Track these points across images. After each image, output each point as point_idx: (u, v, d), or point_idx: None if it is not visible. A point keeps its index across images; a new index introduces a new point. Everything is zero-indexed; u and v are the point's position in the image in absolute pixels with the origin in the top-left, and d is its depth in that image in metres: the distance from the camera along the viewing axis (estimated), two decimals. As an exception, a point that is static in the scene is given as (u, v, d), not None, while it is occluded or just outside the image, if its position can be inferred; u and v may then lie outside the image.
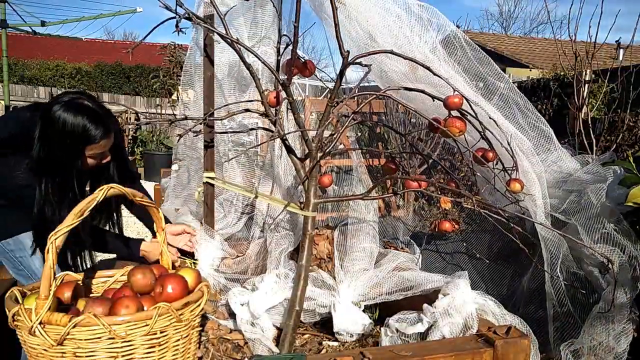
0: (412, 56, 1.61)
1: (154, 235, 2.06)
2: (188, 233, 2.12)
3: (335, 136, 1.67)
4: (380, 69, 1.96)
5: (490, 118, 1.81)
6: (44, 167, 1.84)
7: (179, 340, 1.31)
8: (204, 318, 1.86)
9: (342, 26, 1.50)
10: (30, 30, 10.63)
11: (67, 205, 1.85)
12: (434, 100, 1.57)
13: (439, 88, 1.75)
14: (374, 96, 1.67)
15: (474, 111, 1.60)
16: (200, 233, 2.09)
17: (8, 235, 1.95)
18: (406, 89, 1.66)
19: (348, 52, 1.48)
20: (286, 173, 2.23)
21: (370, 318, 1.90)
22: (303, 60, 1.75)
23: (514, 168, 1.80)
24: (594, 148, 3.34)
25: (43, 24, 10.59)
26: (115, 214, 2.17)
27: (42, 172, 1.84)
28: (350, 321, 1.84)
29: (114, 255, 2.22)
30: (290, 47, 1.57)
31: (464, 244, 2.62)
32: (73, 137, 1.80)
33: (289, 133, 1.80)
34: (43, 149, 1.82)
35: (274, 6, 1.99)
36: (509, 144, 1.77)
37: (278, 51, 1.70)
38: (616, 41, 4.63)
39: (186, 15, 1.64)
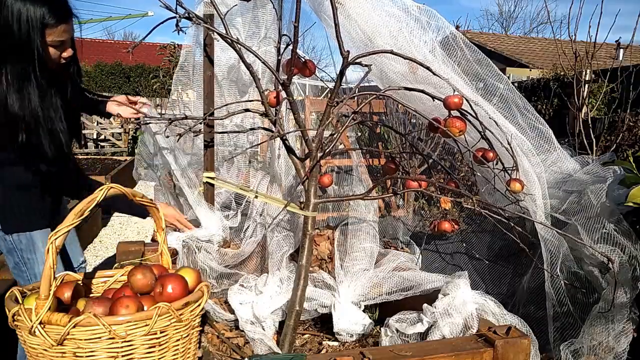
0: (412, 57, 1.61)
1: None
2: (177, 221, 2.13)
3: (335, 136, 1.67)
4: (380, 69, 1.96)
5: (490, 118, 1.81)
6: (4, 56, 1.73)
7: (179, 340, 1.31)
8: (204, 318, 1.86)
9: (342, 27, 1.50)
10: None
11: (31, 94, 1.76)
12: (434, 100, 1.57)
13: (438, 89, 1.75)
14: (374, 96, 1.67)
15: (474, 111, 1.60)
16: (202, 207, 2.10)
17: (22, 230, 1.90)
18: (406, 89, 1.66)
19: (348, 52, 1.48)
20: (287, 173, 2.23)
21: (370, 318, 1.90)
22: (303, 60, 1.75)
23: (514, 168, 1.80)
24: (594, 148, 3.34)
25: (48, 25, 10.55)
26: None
27: (1, 61, 1.74)
28: (351, 321, 1.84)
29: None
30: (291, 47, 1.57)
31: (464, 244, 2.62)
32: (28, 19, 1.70)
33: (289, 133, 1.80)
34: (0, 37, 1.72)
35: (274, 7, 1.99)
36: (509, 144, 1.77)
37: (278, 51, 1.70)
38: (616, 41, 4.63)
39: (186, 15, 1.65)
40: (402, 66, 1.90)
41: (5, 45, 1.74)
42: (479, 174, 2.06)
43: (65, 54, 1.86)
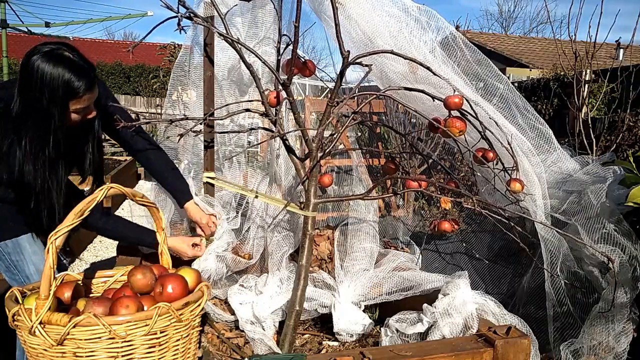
0: (412, 57, 1.61)
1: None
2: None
3: (335, 136, 1.67)
4: (380, 70, 1.96)
5: (490, 118, 1.81)
6: (25, 122, 1.72)
7: (179, 340, 1.31)
8: (204, 318, 1.86)
9: (342, 27, 1.50)
10: (29, 31, 10.64)
11: (43, 163, 1.75)
12: (434, 100, 1.57)
13: (438, 89, 1.75)
14: (374, 96, 1.67)
15: (474, 111, 1.60)
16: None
17: (8, 237, 1.91)
18: (406, 89, 1.66)
19: (348, 52, 1.48)
20: (286, 173, 2.23)
21: (370, 318, 1.90)
22: (303, 60, 1.75)
23: (514, 168, 1.80)
24: (594, 148, 3.33)
25: (47, 24, 10.57)
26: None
27: (22, 128, 1.72)
28: (351, 321, 1.84)
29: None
30: (291, 47, 1.57)
31: (464, 244, 2.62)
32: (54, 90, 1.68)
33: (288, 132, 1.80)
34: (23, 103, 1.71)
35: (274, 7, 1.98)
36: (509, 144, 1.77)
37: (278, 51, 1.70)
38: (616, 41, 4.64)
39: (187, 14, 1.65)
40: (402, 66, 1.90)
41: (28, 109, 1.72)
42: (479, 174, 2.06)
43: (89, 117, 1.84)
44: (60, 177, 1.83)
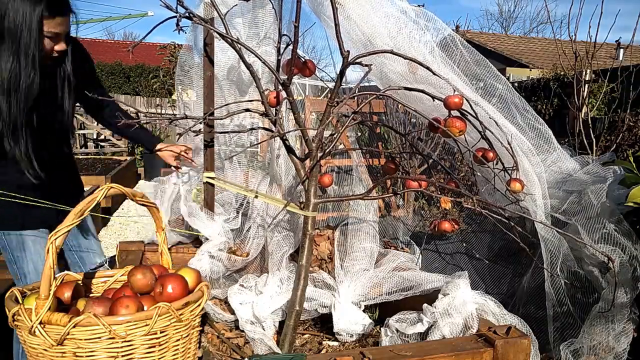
0: (411, 57, 1.61)
1: (148, 150, 2.37)
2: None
3: (335, 136, 1.67)
4: (380, 70, 1.96)
5: (490, 118, 1.81)
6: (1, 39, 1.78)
7: (179, 340, 1.31)
8: (204, 318, 1.86)
9: (342, 27, 1.50)
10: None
11: (23, 82, 1.80)
12: (434, 100, 1.57)
13: (438, 89, 1.75)
14: (374, 96, 1.67)
15: (474, 111, 1.60)
16: (202, 217, 2.12)
17: (16, 228, 1.92)
18: (407, 89, 1.66)
19: (348, 52, 1.48)
20: (287, 173, 2.23)
21: (370, 318, 1.90)
22: (303, 60, 1.75)
23: (514, 168, 1.80)
24: (594, 148, 3.34)
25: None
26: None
27: None
28: (351, 321, 1.84)
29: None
30: (291, 47, 1.57)
31: (464, 244, 2.62)
32: (27, 4, 1.74)
33: (288, 132, 1.80)
34: None
35: (273, 8, 1.99)
36: (509, 144, 1.77)
37: (278, 51, 1.70)
38: (616, 41, 4.64)
39: (186, 14, 1.65)
40: (401, 67, 1.90)
41: (4, 25, 1.77)
42: (479, 174, 2.06)
43: (57, 47, 1.89)
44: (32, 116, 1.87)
